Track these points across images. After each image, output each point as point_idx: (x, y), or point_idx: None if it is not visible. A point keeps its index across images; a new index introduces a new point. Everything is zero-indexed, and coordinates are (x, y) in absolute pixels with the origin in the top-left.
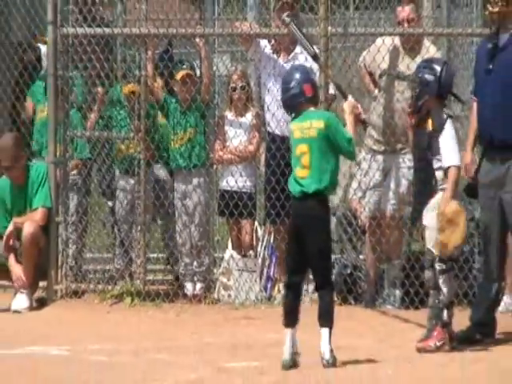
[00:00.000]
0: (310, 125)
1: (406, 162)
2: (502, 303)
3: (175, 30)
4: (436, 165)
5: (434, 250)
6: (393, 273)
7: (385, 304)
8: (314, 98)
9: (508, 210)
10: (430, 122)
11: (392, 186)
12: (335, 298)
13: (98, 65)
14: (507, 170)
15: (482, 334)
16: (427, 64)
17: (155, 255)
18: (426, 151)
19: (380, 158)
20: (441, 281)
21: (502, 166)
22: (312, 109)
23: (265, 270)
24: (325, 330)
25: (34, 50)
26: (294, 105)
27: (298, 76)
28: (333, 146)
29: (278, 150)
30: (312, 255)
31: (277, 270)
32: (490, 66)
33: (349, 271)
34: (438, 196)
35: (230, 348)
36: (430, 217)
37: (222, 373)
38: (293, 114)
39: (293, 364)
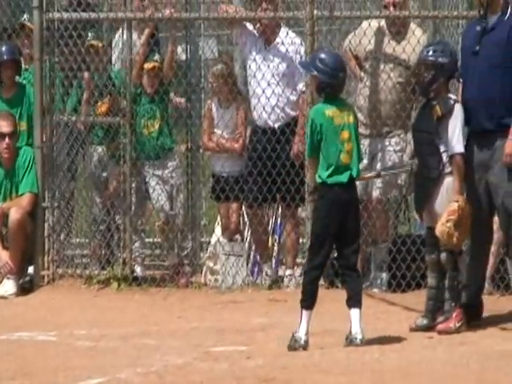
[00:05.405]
0: (348, 111)
1: (393, 145)
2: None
3: (161, 14)
4: (443, 149)
5: (442, 238)
6: (379, 256)
7: (371, 287)
8: None
9: (494, 193)
10: (437, 106)
11: (379, 169)
12: (322, 282)
13: (83, 49)
14: (493, 152)
15: (469, 316)
16: (437, 47)
17: (151, 240)
18: (432, 135)
19: (366, 141)
20: (459, 262)
21: (488, 148)
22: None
23: (251, 254)
24: (356, 311)
25: (18, 35)
26: (339, 89)
27: (343, 63)
28: None
29: (261, 139)
30: (352, 236)
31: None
32: (477, 48)
33: (335, 255)
34: (448, 181)
35: (216, 332)
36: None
37: (208, 357)
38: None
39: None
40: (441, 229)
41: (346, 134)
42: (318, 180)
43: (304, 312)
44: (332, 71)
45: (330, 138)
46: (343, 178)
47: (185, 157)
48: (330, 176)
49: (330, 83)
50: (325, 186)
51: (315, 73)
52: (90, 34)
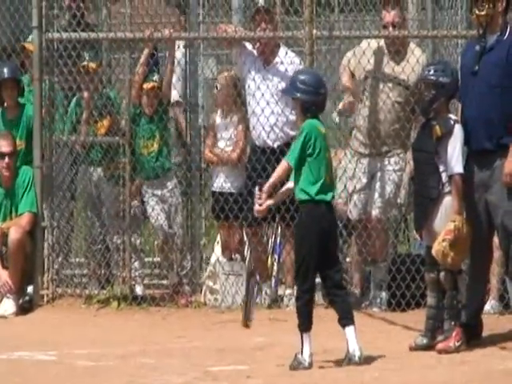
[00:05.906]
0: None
1: (392, 164)
2: (488, 305)
3: (160, 34)
4: (442, 168)
5: (437, 257)
6: (379, 275)
7: (371, 306)
8: None
9: (493, 212)
10: (437, 126)
11: (378, 188)
12: (322, 301)
13: (82, 70)
14: (492, 172)
15: (468, 335)
16: (438, 67)
17: (150, 259)
18: (432, 155)
19: (366, 160)
20: (459, 281)
21: (487, 168)
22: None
23: None
24: (351, 328)
25: (18, 54)
26: (322, 107)
27: (322, 80)
28: None
29: (260, 159)
30: (335, 256)
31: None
32: (476, 68)
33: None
34: (447, 201)
35: (216, 351)
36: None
37: (208, 376)
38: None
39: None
40: (436, 248)
41: (328, 155)
42: (304, 196)
43: (304, 335)
44: (314, 89)
45: (322, 155)
46: (328, 197)
47: (184, 176)
48: (318, 193)
49: (314, 101)
50: (311, 203)
51: (298, 95)
52: (86, 55)
